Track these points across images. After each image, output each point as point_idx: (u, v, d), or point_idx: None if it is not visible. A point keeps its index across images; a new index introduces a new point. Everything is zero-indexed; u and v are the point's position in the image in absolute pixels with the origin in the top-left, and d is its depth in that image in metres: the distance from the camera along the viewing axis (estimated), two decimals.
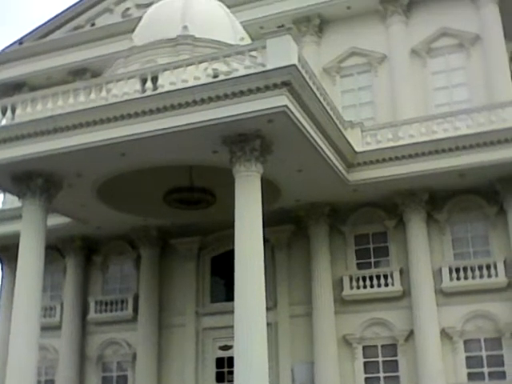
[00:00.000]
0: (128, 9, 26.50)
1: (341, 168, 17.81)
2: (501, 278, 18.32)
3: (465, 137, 17.82)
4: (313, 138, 15.47)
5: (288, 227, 20.72)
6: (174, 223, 21.11)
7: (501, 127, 17.71)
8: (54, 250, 22.97)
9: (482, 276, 18.51)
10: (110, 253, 23.47)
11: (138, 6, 26.05)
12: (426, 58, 21.76)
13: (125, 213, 20.07)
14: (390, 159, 18.23)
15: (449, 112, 19.29)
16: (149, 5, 23.72)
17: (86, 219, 20.66)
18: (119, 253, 23.34)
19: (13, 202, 20.87)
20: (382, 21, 22.51)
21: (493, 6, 21.20)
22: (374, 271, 19.72)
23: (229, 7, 20.72)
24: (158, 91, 14.79)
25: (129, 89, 15.27)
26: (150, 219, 20.90)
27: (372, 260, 20.09)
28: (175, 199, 17.92)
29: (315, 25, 23.09)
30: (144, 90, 15.09)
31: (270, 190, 16.80)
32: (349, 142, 17.88)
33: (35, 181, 16.57)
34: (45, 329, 19.49)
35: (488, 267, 18.55)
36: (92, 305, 22.76)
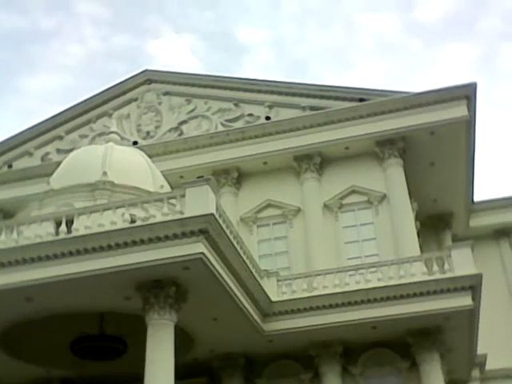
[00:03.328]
0: (48, 153, 26.73)
1: (256, 317, 17.64)
2: None
3: (375, 289, 18.31)
4: (229, 286, 15.40)
5: (200, 380, 19.77)
6: (80, 375, 19.67)
7: (409, 281, 18.37)
8: None
9: None
10: None
11: (59, 151, 26.39)
12: (337, 212, 22.85)
13: (26, 362, 18.53)
14: (305, 310, 18.32)
15: (360, 264, 19.95)
16: (69, 150, 24.13)
17: None
18: None
19: None
20: (296, 176, 23.73)
21: (398, 168, 22.91)
22: None
23: (150, 156, 21.32)
24: (71, 235, 14.53)
25: (42, 231, 14.92)
26: (55, 370, 19.37)
27: None
28: (83, 348, 16.87)
29: (233, 177, 24.02)
30: (57, 233, 14.78)
31: (183, 339, 16.25)
32: (264, 291, 17.91)
33: None
34: None
35: None
36: None
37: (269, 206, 23.43)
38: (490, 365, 24.24)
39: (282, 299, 18.68)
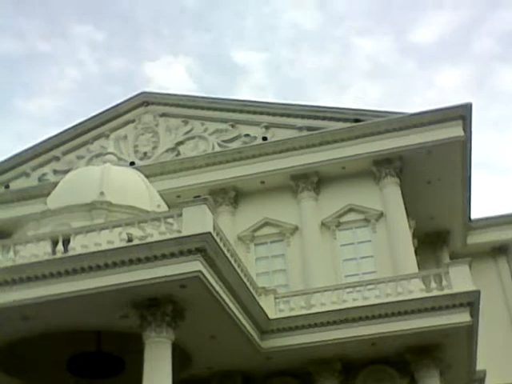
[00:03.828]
0: (45, 174, 26.85)
1: (254, 335, 17.60)
2: None
3: (373, 306, 18.31)
4: (226, 304, 15.40)
5: None
6: None
7: (407, 298, 18.39)
8: None
9: None
10: None
11: (56, 172, 26.50)
12: (335, 230, 22.91)
13: (23, 381, 18.35)
14: (303, 327, 18.29)
15: (358, 282, 19.96)
16: (66, 171, 24.22)
17: None
18: None
19: None
20: (293, 195, 23.82)
21: (394, 186, 23.04)
22: None
23: (147, 176, 21.43)
24: (68, 254, 14.56)
25: (38, 251, 14.95)
26: None
27: None
28: (80, 366, 16.77)
29: (231, 197, 24.11)
30: (54, 253, 14.81)
31: (180, 356, 16.18)
32: (262, 309, 17.88)
33: None
34: None
35: None
36: None
37: (266, 224, 23.49)
38: (489, 381, 24.15)
39: (280, 316, 18.65)
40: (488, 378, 24.01)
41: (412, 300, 18.28)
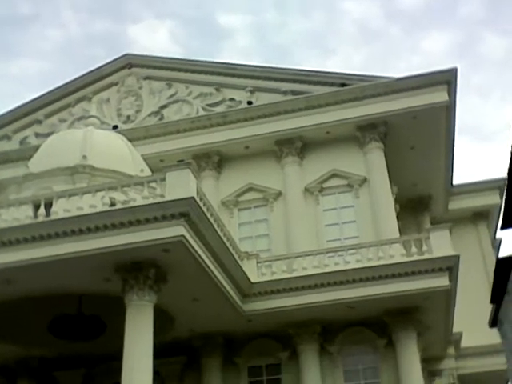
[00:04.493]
0: (27, 137, 26.57)
1: (236, 298, 17.82)
2: None
3: (354, 271, 18.55)
4: (209, 268, 15.54)
5: (180, 359, 20.09)
6: (59, 355, 19.76)
7: (388, 263, 18.63)
8: None
9: None
10: None
11: (37, 135, 26.23)
12: (318, 196, 22.99)
13: (5, 343, 18.53)
14: (284, 290, 18.53)
15: (339, 247, 20.18)
16: (48, 134, 23.91)
17: None
18: None
19: None
20: (277, 160, 23.79)
21: (378, 152, 23.06)
22: None
23: (130, 140, 21.28)
24: (50, 218, 14.53)
25: (20, 214, 14.90)
26: (33, 349, 19.43)
27: None
28: (61, 328, 16.94)
29: (214, 161, 24.04)
30: (36, 216, 14.77)
31: (162, 319, 16.37)
32: (244, 273, 18.07)
33: None
34: None
35: None
36: None
37: (250, 189, 23.51)
38: (465, 342, 24.77)
39: (262, 280, 18.85)
40: (464, 339, 24.61)
41: (392, 264, 18.51)
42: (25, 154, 23.28)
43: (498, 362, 23.61)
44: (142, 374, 13.60)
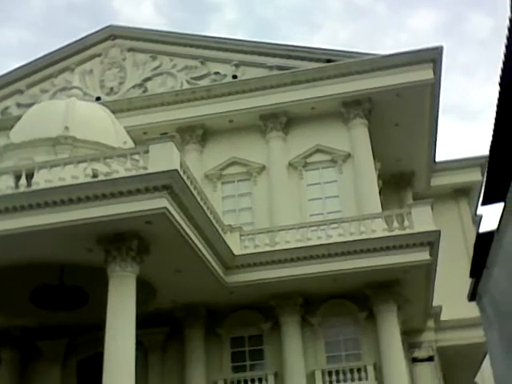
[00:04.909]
0: (8, 107, 26.24)
1: (219, 270, 17.93)
2: (370, 382, 18.71)
3: (336, 244, 18.72)
4: (192, 240, 15.58)
5: (163, 329, 20.24)
6: (41, 324, 19.81)
7: (370, 237, 18.82)
8: None
9: (353, 379, 18.85)
10: None
11: (19, 105, 25.91)
12: (301, 170, 23.06)
13: None
14: (267, 263, 18.68)
15: (322, 221, 20.32)
16: (30, 105, 23.68)
17: None
18: None
19: None
20: (262, 135, 23.78)
21: (362, 128, 23.13)
22: (248, 375, 19.57)
23: (113, 112, 21.09)
24: (31, 188, 14.43)
25: (1, 184, 14.79)
26: (15, 319, 19.46)
27: (248, 363, 19.94)
28: (42, 298, 16.96)
29: (198, 135, 23.96)
30: (17, 187, 14.66)
31: (145, 290, 16.46)
32: (227, 245, 18.15)
33: None
34: None
35: (359, 370, 18.97)
36: None
37: (234, 163, 23.52)
38: (445, 315, 25.20)
39: (245, 253, 18.98)
40: (443, 313, 25.05)
41: (374, 239, 18.69)
42: (6, 123, 22.96)
43: (476, 335, 24.03)
44: (124, 343, 13.70)
